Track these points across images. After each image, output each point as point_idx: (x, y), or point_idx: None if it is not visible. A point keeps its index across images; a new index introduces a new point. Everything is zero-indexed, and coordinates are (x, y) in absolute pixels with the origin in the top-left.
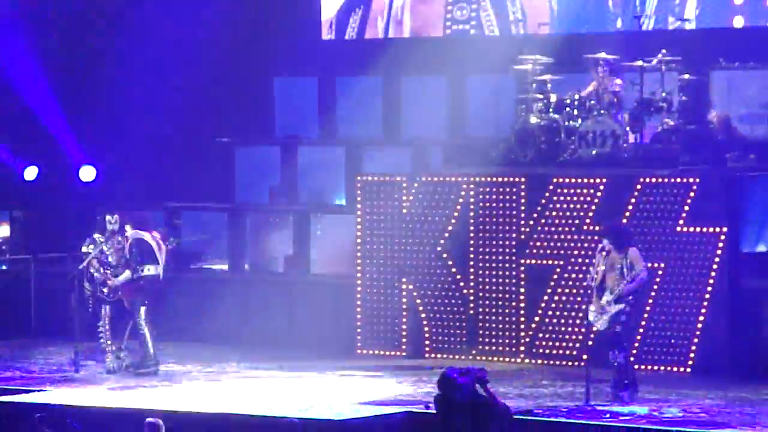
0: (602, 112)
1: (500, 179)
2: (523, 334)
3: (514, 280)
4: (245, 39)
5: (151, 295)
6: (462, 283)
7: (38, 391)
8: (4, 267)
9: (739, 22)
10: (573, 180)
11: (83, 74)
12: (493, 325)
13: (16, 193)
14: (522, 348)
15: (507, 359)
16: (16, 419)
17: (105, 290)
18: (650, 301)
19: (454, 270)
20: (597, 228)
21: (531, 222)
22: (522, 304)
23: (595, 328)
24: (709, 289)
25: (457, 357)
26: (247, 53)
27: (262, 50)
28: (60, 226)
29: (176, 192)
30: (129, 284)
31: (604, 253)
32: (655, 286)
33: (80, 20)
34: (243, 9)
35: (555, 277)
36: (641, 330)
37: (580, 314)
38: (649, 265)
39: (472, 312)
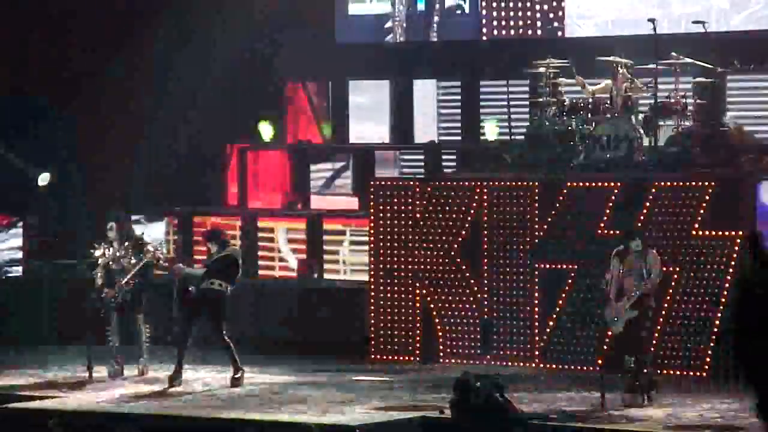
0: (616, 115)
1: (514, 183)
2: (537, 338)
3: (528, 285)
4: (257, 43)
5: (209, 309)
6: (476, 288)
7: (52, 397)
8: (18, 273)
9: None
10: (587, 184)
11: (91, 80)
12: (508, 330)
13: (30, 200)
14: (536, 353)
15: (521, 364)
16: (30, 425)
17: (107, 295)
18: (665, 305)
19: (468, 275)
20: (617, 232)
21: (545, 226)
22: (536, 309)
23: (610, 333)
24: (725, 292)
25: (471, 362)
26: (259, 57)
27: (273, 54)
28: (72, 233)
29: (187, 197)
30: (190, 293)
31: (617, 258)
32: (671, 290)
33: (90, 24)
34: (254, 12)
35: (569, 281)
36: (656, 334)
37: (595, 318)
38: (664, 269)
39: (486, 317)
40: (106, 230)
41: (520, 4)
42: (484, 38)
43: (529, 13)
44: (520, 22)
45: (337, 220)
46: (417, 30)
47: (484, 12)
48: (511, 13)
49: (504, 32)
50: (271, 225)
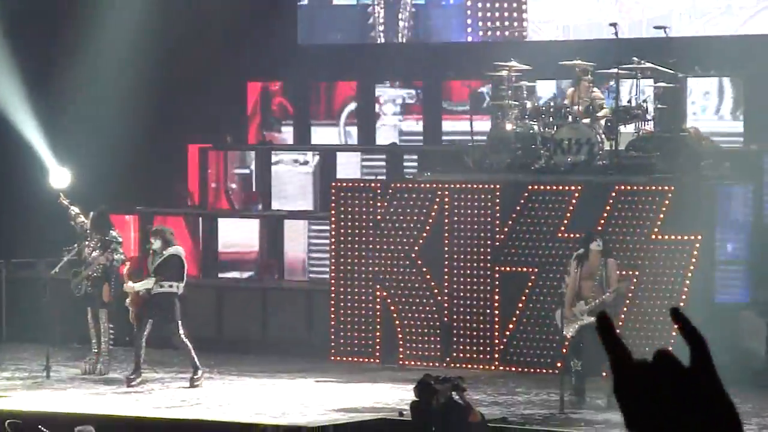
0: (578, 119)
1: (475, 186)
2: (497, 341)
3: (488, 287)
4: (220, 42)
5: (162, 311)
6: (436, 290)
7: (8, 397)
8: None
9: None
10: (548, 187)
11: (54, 75)
12: (468, 332)
13: None
14: (496, 355)
15: (481, 366)
16: None
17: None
18: (625, 309)
19: (428, 277)
20: (577, 235)
21: (506, 229)
22: (497, 311)
23: (567, 335)
24: (684, 297)
25: (431, 364)
26: (222, 57)
27: (236, 54)
28: (31, 231)
29: (149, 196)
30: (141, 296)
31: (576, 261)
32: (630, 294)
33: (51, 19)
34: (218, 12)
35: (530, 284)
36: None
37: (555, 321)
38: (624, 272)
39: (446, 319)
40: (88, 218)
41: (480, 5)
42: (469, 38)
43: (488, 14)
44: (480, 23)
45: None
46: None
47: (469, 11)
48: (480, 14)
49: (474, 35)
50: None
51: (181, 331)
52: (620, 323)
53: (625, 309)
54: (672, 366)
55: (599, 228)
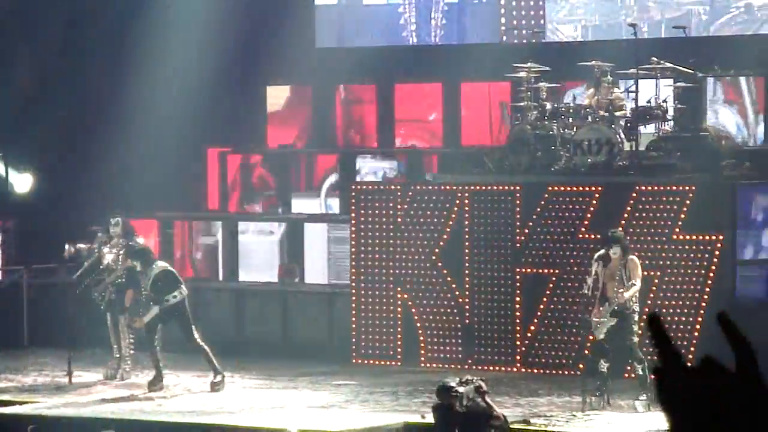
0: (598, 120)
1: (495, 187)
2: (518, 342)
3: (509, 289)
4: (239, 47)
5: (174, 319)
6: (457, 292)
7: (31, 402)
8: None
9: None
10: (568, 188)
11: (74, 84)
12: (489, 334)
13: (9, 204)
14: (518, 357)
15: (503, 368)
16: (9, 431)
17: (97, 295)
18: (646, 309)
19: (449, 279)
20: (597, 236)
21: (526, 230)
22: (518, 313)
23: (592, 338)
24: (706, 297)
25: (452, 366)
26: (241, 61)
27: (255, 58)
28: (53, 237)
29: (169, 201)
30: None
31: (600, 263)
32: (652, 294)
33: (74, 27)
34: (237, 17)
35: (550, 285)
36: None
37: (576, 323)
38: (645, 273)
39: (467, 321)
40: (110, 225)
41: (513, 3)
42: (504, 38)
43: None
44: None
45: None
46: (425, 28)
47: (503, 9)
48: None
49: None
50: None
51: (196, 335)
52: (642, 323)
53: (646, 309)
54: (717, 371)
55: (619, 230)
